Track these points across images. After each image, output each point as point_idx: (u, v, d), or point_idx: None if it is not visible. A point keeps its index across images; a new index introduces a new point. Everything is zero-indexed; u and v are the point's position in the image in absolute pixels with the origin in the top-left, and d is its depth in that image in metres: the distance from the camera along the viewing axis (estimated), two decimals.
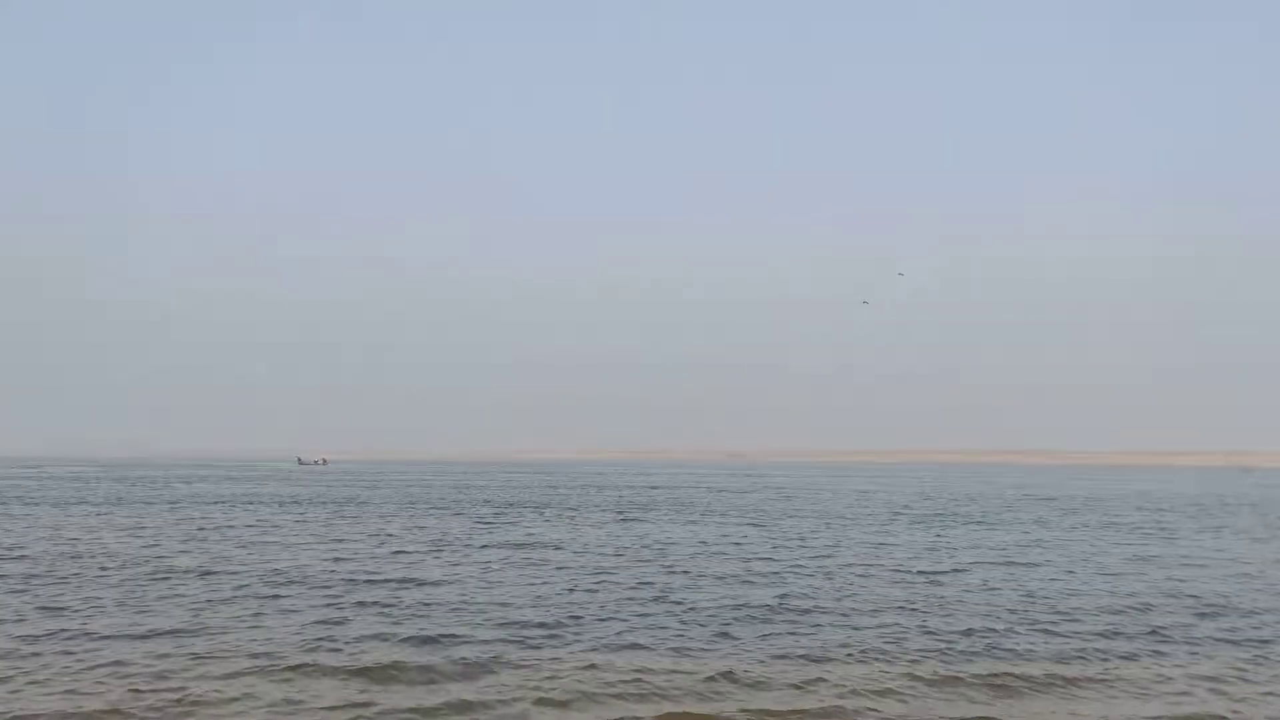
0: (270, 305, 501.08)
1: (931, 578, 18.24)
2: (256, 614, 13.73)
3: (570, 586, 16.70)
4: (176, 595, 15.25)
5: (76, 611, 13.74)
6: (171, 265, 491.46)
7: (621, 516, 33.74)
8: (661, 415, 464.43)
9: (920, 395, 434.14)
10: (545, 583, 17.13)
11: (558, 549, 22.69)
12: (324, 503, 40.64)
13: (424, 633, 12.53)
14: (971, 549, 23.63)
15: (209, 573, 17.76)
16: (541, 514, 34.81)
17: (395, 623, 13.25)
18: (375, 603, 14.81)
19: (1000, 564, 20.63)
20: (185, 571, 17.88)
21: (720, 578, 17.93)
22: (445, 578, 17.59)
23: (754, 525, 30.61)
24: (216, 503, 39.93)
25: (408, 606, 14.51)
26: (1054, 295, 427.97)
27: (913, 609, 14.78)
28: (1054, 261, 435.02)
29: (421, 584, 16.79)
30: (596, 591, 16.21)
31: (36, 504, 38.11)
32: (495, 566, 19.34)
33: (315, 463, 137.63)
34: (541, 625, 13.18)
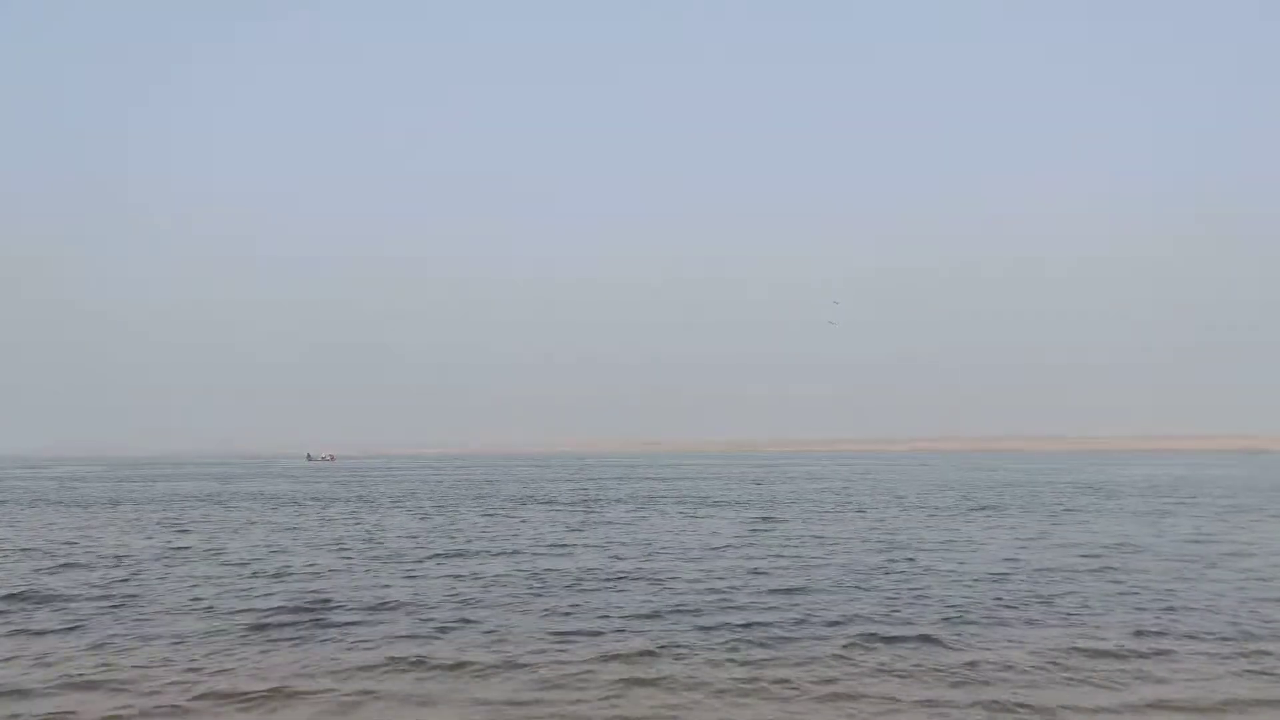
0: (271, 305, 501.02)
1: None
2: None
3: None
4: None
5: None
6: (172, 266, 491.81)
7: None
8: (664, 409, 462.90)
9: (920, 384, 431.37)
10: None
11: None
12: (316, 501, 38.15)
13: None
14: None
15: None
16: (568, 509, 32.14)
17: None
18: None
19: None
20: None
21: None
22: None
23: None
24: (216, 503, 37.40)
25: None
26: (1057, 284, 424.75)
27: None
28: (1058, 250, 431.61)
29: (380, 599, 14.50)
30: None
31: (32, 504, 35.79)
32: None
33: (323, 459, 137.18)
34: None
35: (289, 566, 17.13)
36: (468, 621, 12.13)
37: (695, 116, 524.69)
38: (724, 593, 14.23)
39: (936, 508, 31.54)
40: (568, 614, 12.60)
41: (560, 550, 19.62)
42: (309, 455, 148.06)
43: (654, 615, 12.53)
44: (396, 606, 13.22)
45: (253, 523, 27.03)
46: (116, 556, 18.79)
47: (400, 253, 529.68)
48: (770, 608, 13.01)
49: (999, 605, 13.06)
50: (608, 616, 12.41)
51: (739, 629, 11.67)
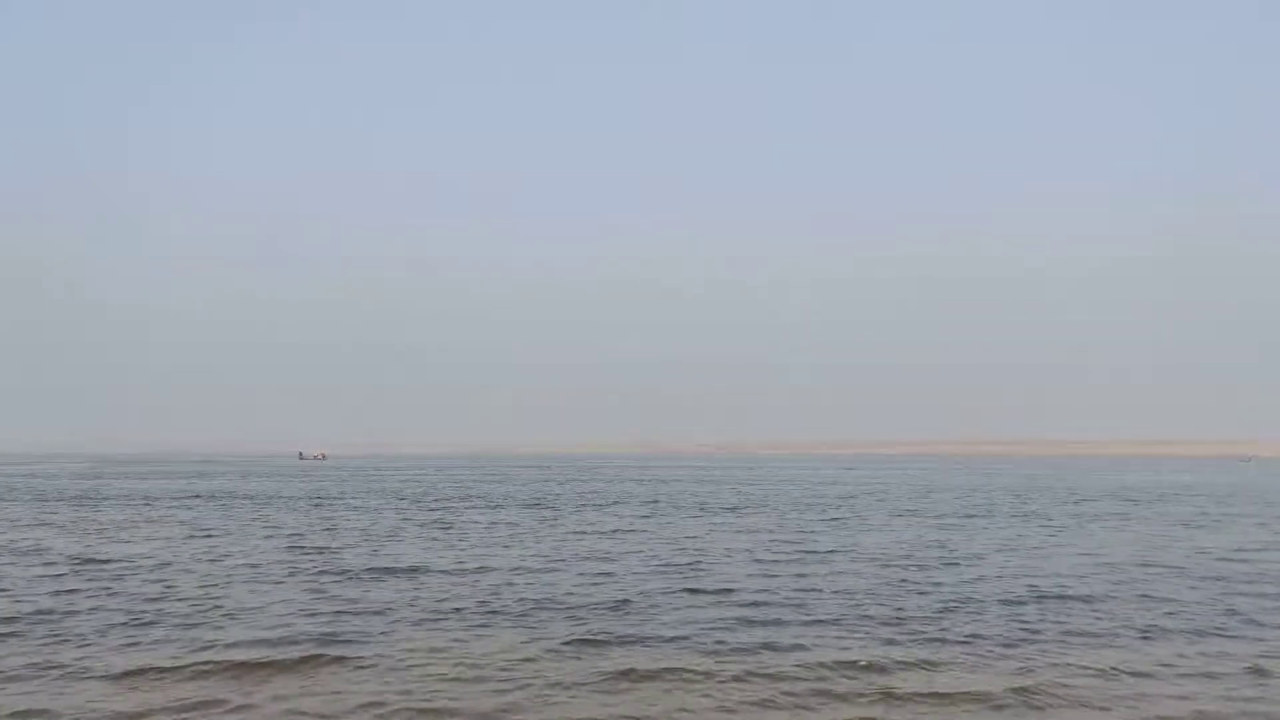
0: (270, 305, 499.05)
1: None
2: None
3: None
4: None
5: None
6: (171, 265, 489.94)
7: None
8: (659, 411, 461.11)
9: (916, 387, 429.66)
10: None
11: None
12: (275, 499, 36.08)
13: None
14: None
15: None
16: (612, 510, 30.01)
17: None
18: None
19: None
20: None
21: None
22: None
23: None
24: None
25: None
26: (1053, 291, 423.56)
27: None
28: (1055, 257, 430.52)
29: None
30: None
31: None
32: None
33: (315, 457, 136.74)
34: None
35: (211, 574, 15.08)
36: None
37: (697, 116, 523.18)
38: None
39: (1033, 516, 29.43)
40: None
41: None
42: (300, 454, 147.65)
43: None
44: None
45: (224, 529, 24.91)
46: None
47: (400, 253, 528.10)
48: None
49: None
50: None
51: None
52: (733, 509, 31.82)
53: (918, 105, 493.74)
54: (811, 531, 23.42)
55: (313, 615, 11.93)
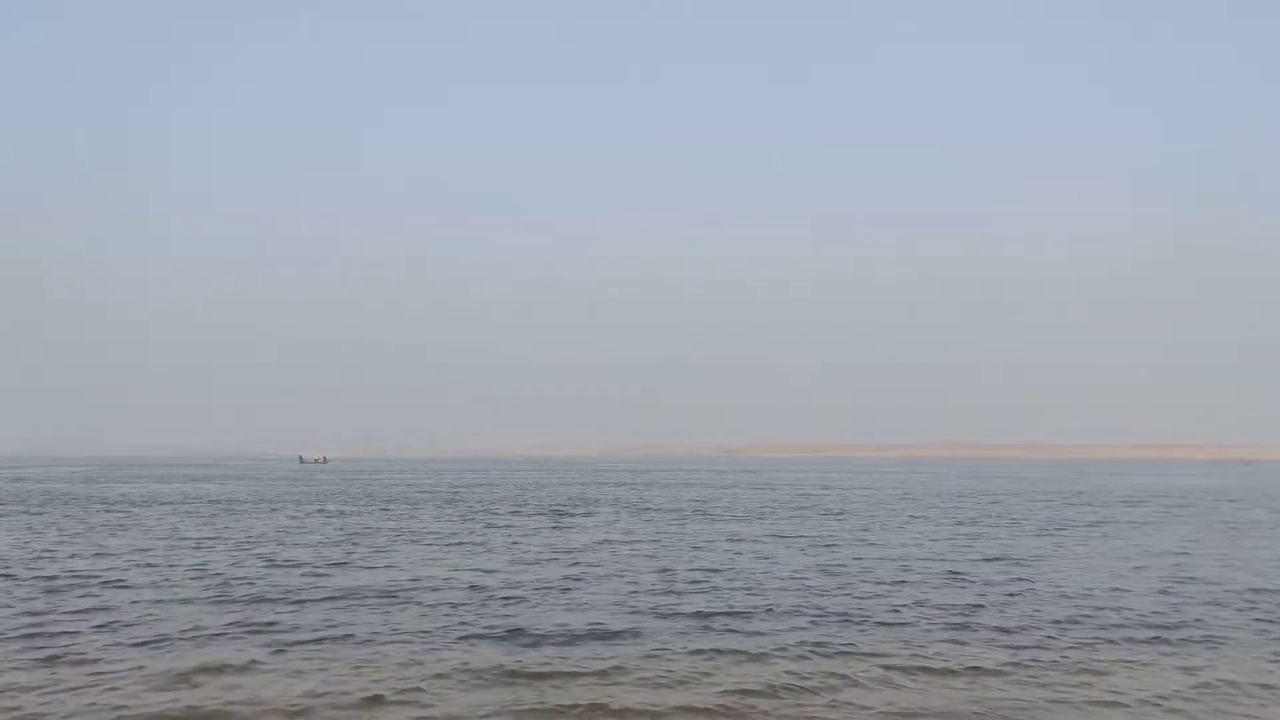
0: (270, 305, 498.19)
1: None
2: None
3: None
4: None
5: None
6: (171, 265, 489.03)
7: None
8: (657, 413, 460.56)
9: (916, 388, 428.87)
10: None
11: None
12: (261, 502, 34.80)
13: None
14: None
15: None
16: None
17: None
18: None
19: None
20: None
21: None
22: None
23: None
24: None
25: None
26: (1052, 293, 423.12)
27: None
28: (1054, 260, 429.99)
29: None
30: None
31: None
32: None
33: (316, 461, 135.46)
34: None
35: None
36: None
37: (698, 116, 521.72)
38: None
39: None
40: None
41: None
42: (301, 457, 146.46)
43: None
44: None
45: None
46: None
47: (400, 252, 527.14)
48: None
49: None
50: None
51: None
52: (743, 517, 30.54)
53: (918, 105, 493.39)
54: (839, 543, 22.11)
55: (262, 642, 10.29)
